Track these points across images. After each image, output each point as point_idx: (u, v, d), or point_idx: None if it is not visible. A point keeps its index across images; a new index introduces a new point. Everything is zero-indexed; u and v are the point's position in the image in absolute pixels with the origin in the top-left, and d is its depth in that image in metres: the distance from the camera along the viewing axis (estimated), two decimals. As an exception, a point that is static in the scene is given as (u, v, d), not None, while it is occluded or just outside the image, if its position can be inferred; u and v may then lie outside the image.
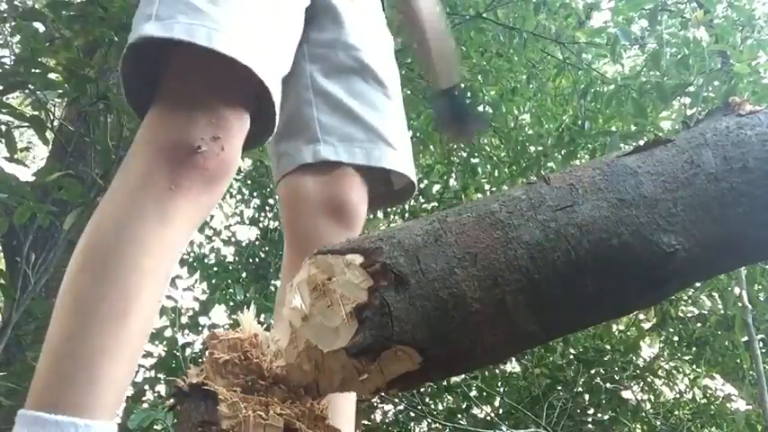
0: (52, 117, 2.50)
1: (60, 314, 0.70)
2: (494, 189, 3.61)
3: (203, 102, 0.78)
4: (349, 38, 1.06)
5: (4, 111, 2.09)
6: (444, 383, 3.27)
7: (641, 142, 0.68)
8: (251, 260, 3.94)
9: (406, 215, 3.65)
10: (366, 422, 3.38)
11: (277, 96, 0.82)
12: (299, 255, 1.03)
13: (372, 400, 3.29)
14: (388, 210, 3.74)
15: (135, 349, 0.72)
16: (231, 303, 3.45)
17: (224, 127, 0.78)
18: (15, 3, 2.27)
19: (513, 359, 3.34)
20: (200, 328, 3.34)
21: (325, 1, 1.05)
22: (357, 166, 1.03)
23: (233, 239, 4.11)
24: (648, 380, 3.42)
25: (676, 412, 3.32)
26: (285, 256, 1.07)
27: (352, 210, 1.02)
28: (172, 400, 0.59)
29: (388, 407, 3.49)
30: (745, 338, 2.48)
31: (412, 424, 3.48)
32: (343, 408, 0.95)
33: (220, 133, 0.78)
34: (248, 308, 0.66)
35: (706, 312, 3.11)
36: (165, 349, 2.95)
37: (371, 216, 3.71)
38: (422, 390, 3.23)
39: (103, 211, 0.75)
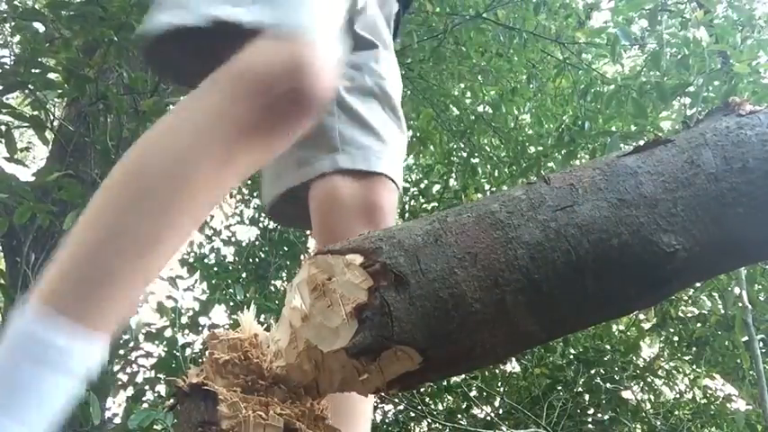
0: (52, 117, 2.51)
1: (95, 220, 0.67)
2: (494, 189, 3.61)
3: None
4: (376, 65, 1.10)
5: (3, 111, 2.09)
6: (444, 383, 3.27)
7: (641, 142, 0.68)
8: (251, 260, 3.94)
9: (406, 215, 3.65)
10: (366, 422, 3.37)
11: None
12: None
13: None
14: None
15: (150, 277, 0.70)
16: (231, 303, 3.45)
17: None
18: (15, 3, 2.27)
19: (513, 359, 3.34)
20: (200, 328, 3.34)
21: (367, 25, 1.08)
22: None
23: (233, 239, 4.12)
24: (648, 380, 3.42)
25: (676, 412, 3.32)
26: None
27: (384, 215, 1.05)
28: (172, 400, 0.59)
29: (388, 407, 3.49)
30: (745, 338, 2.48)
31: (412, 424, 3.48)
32: (361, 409, 0.96)
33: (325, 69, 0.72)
34: (248, 308, 0.66)
35: (706, 312, 3.11)
36: (165, 349, 2.95)
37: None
38: (422, 390, 3.23)
39: (162, 141, 0.71)
